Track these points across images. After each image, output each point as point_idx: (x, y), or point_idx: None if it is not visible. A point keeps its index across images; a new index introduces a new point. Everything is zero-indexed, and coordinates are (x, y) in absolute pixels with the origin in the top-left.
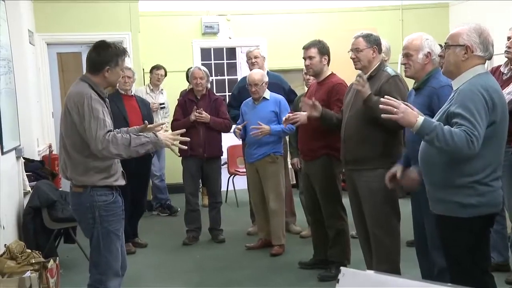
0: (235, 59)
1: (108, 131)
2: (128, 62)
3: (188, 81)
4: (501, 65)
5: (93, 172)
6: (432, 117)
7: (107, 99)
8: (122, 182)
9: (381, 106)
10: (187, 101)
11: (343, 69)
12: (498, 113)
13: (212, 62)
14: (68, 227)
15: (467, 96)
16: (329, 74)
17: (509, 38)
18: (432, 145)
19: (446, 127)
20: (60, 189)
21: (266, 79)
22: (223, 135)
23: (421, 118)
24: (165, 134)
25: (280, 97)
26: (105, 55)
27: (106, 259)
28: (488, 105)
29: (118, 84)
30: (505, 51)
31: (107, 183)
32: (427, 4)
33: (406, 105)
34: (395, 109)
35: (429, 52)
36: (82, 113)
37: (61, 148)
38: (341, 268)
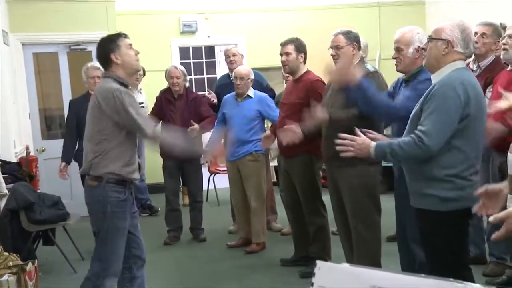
0: (214, 58)
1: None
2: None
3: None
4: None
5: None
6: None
7: (131, 91)
8: (137, 176)
9: (338, 143)
10: (163, 99)
11: (321, 66)
12: (472, 106)
13: (191, 61)
14: (47, 229)
15: (438, 97)
16: (305, 72)
17: (475, 34)
18: (395, 161)
19: (395, 142)
20: (38, 191)
21: (253, 76)
22: (204, 134)
23: (372, 148)
24: None
25: (264, 94)
26: (103, 47)
27: (110, 256)
28: (461, 99)
29: (88, 86)
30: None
31: (123, 171)
32: (403, 2)
33: (363, 132)
34: (350, 147)
35: (419, 46)
36: (116, 107)
37: (86, 142)
38: (317, 261)
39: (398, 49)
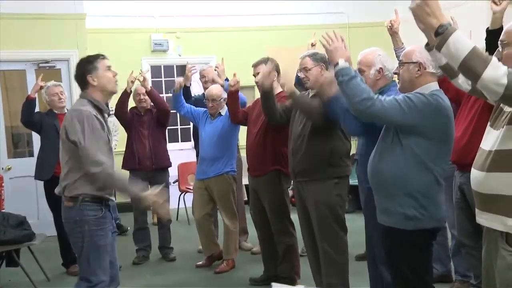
0: None
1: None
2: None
3: None
4: None
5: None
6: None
7: (106, 114)
8: (112, 197)
9: (322, 35)
10: (132, 114)
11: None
12: (441, 125)
13: (163, 79)
14: (11, 250)
15: (410, 96)
16: (280, 92)
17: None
18: (340, 86)
19: (360, 81)
20: (3, 210)
21: (225, 95)
22: (173, 151)
23: (345, 63)
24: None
25: None
26: (80, 68)
27: (93, 276)
28: (431, 106)
29: (52, 104)
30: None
31: (99, 194)
32: (372, 23)
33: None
34: (330, 42)
35: (381, 68)
36: (83, 129)
37: (64, 165)
38: (272, 284)
39: (360, 71)
